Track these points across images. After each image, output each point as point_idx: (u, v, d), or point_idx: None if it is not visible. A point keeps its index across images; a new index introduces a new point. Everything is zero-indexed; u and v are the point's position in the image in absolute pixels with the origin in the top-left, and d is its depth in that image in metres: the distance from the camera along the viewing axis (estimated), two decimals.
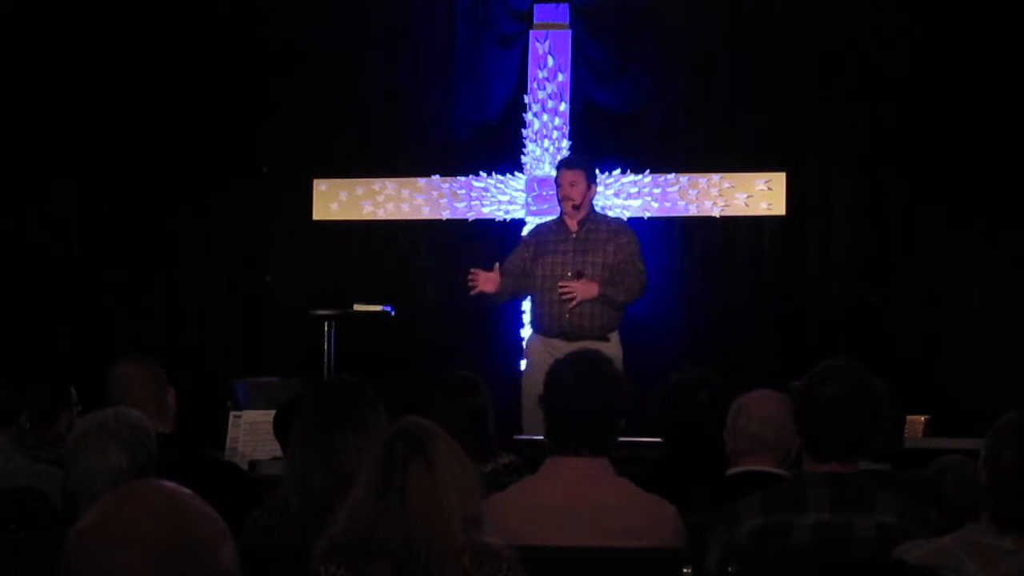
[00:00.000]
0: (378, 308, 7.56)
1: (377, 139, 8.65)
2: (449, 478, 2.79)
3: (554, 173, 7.33)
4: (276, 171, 8.77)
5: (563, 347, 6.52)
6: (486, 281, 7.04)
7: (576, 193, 7.03)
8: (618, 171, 8.21)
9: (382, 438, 2.90)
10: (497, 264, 7.08)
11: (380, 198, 8.50)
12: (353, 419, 3.53)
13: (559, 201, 7.13)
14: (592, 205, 7.22)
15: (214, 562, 1.56)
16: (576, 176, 7.07)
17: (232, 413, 6.23)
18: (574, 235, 7.08)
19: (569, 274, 7.00)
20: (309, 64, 8.72)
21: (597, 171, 7.81)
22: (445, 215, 8.43)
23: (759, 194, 8.15)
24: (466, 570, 2.75)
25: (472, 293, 7.07)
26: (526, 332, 7.78)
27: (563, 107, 8.37)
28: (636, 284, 7.01)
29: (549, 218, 7.49)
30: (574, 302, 6.91)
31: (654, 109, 8.49)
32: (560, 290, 6.93)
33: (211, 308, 8.84)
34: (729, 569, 3.17)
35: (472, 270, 7.07)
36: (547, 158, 8.23)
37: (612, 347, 6.81)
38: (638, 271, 7.03)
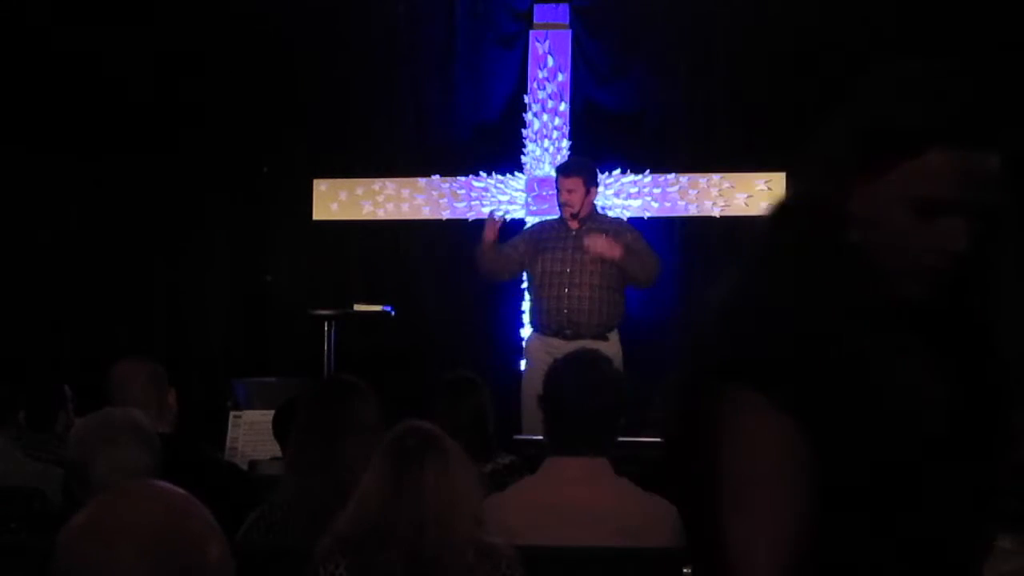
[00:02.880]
0: (378, 308, 7.56)
1: (377, 139, 8.65)
2: (459, 475, 2.85)
3: (555, 173, 7.36)
4: (276, 171, 8.77)
5: (562, 346, 6.53)
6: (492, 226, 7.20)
7: (575, 199, 7.08)
8: (618, 171, 8.21)
9: (391, 434, 2.94)
10: (502, 215, 7.31)
11: (380, 198, 8.49)
12: (349, 419, 3.54)
13: (559, 205, 7.18)
14: (594, 205, 7.25)
15: (203, 559, 1.57)
16: (574, 183, 7.11)
17: (232, 413, 6.23)
18: (574, 233, 7.11)
19: (568, 270, 7.02)
20: (309, 64, 8.72)
21: (599, 173, 7.83)
22: (445, 215, 8.42)
23: (759, 194, 8.15)
24: (470, 564, 2.78)
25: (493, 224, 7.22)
26: (526, 332, 7.77)
27: (563, 107, 8.37)
28: (652, 263, 7.06)
29: (551, 217, 7.50)
30: (595, 249, 6.92)
31: (654, 109, 8.48)
32: (586, 241, 6.95)
33: (211, 308, 8.84)
34: None
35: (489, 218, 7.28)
36: (547, 158, 8.23)
37: (611, 346, 6.83)
38: (653, 257, 7.09)
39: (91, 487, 3.46)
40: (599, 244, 6.93)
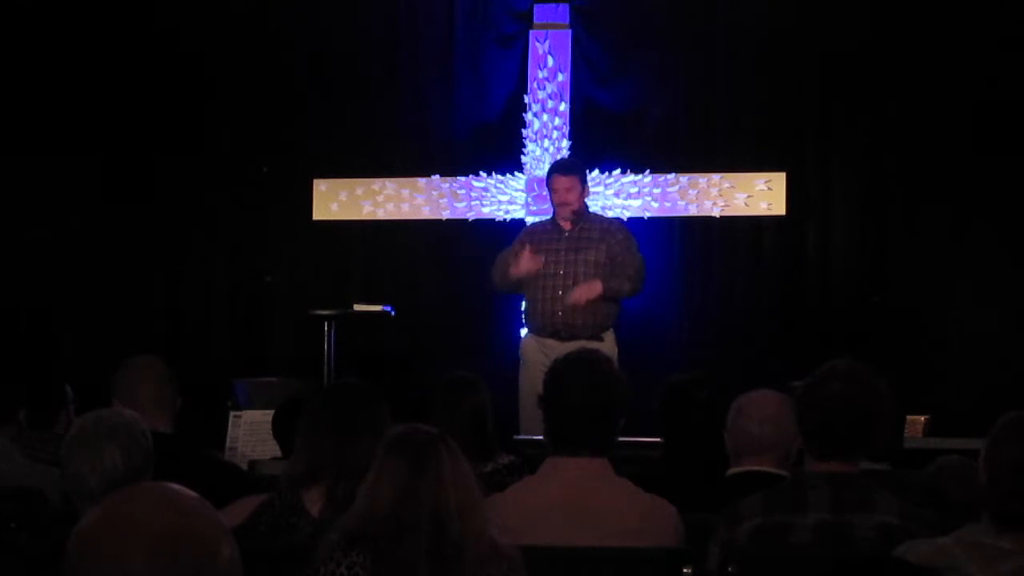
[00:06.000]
0: (378, 308, 7.56)
1: (377, 139, 8.65)
2: (469, 469, 2.88)
3: (548, 173, 7.32)
4: (276, 171, 8.77)
5: (557, 347, 6.53)
6: (529, 260, 7.02)
7: (573, 198, 7.09)
8: (618, 171, 8.21)
9: (395, 433, 2.95)
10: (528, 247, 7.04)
11: (380, 198, 8.49)
12: (371, 422, 3.54)
13: (554, 205, 7.16)
14: (586, 204, 7.27)
15: (214, 562, 1.57)
16: (572, 182, 7.12)
17: (232, 413, 6.22)
18: (567, 234, 7.12)
19: (562, 272, 7.01)
20: (309, 64, 8.72)
21: (597, 171, 7.87)
22: (445, 215, 8.42)
23: (759, 194, 8.15)
24: (487, 554, 2.81)
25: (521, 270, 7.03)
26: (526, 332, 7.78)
27: (563, 107, 8.37)
28: (636, 274, 7.03)
29: (543, 218, 7.51)
30: (581, 303, 6.90)
31: (654, 109, 8.49)
32: (568, 302, 6.92)
33: (211, 308, 8.84)
34: (729, 569, 3.17)
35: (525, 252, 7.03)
36: (547, 158, 8.23)
37: (607, 346, 6.83)
38: (637, 262, 7.06)
39: (69, 488, 3.46)
40: (578, 295, 6.92)
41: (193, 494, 1.62)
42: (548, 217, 7.35)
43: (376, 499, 2.85)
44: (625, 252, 7.08)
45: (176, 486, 1.63)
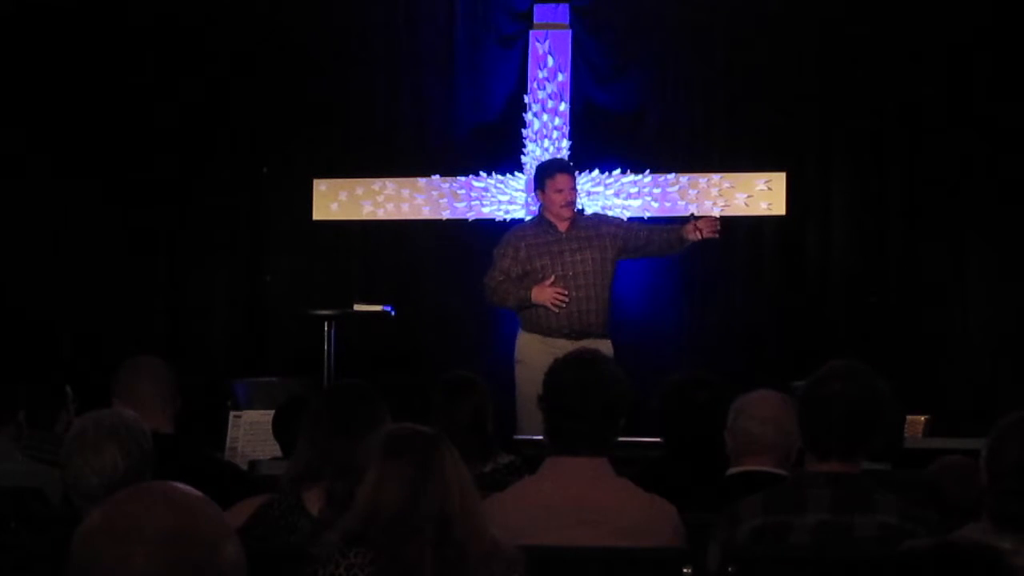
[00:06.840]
0: (378, 308, 7.56)
1: (377, 139, 8.65)
2: (467, 469, 2.89)
3: (547, 174, 7.31)
4: (276, 171, 8.76)
5: (567, 347, 6.51)
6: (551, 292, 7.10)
7: (575, 197, 7.18)
8: (618, 171, 8.21)
9: (395, 432, 2.95)
10: (553, 276, 7.07)
11: (380, 198, 8.49)
12: (371, 422, 3.54)
13: (554, 206, 7.14)
14: None
15: (216, 560, 1.57)
16: (574, 180, 7.22)
17: (232, 413, 6.22)
18: (564, 235, 7.14)
19: (571, 273, 7.03)
20: (309, 64, 8.72)
21: (597, 171, 7.91)
22: (445, 215, 8.42)
23: (759, 194, 8.15)
24: (489, 553, 2.81)
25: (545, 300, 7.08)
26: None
27: (563, 107, 8.36)
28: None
29: (525, 220, 7.55)
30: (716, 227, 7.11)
31: (654, 109, 8.48)
32: (695, 237, 7.08)
33: (211, 308, 8.83)
34: (729, 569, 3.17)
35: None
36: (547, 158, 8.22)
37: (608, 345, 6.85)
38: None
39: (69, 488, 3.46)
40: (713, 225, 7.14)
41: (197, 493, 1.62)
42: (530, 219, 7.36)
43: (381, 501, 2.84)
44: (629, 222, 7.39)
45: (180, 485, 1.63)
